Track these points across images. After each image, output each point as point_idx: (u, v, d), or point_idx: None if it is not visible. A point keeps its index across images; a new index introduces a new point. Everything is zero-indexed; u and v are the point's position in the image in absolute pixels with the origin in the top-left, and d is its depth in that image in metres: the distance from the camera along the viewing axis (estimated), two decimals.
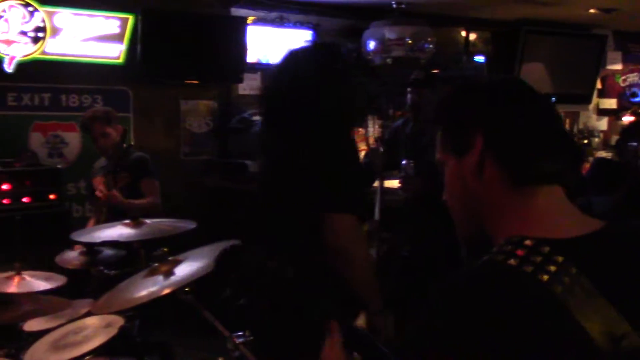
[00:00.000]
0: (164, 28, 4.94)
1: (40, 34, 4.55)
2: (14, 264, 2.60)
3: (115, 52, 4.90)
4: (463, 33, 6.81)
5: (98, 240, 2.75)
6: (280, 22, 5.72)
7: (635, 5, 5.89)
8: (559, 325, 0.87)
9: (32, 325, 2.45)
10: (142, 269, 2.31)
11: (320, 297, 1.19)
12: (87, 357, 2.18)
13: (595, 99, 7.70)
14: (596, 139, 7.67)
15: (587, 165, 5.10)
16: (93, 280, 2.90)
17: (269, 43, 5.65)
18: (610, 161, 5.01)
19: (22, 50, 4.50)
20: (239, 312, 1.16)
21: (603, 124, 7.87)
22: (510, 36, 6.73)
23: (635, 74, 7.88)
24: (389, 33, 5.62)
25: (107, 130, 3.78)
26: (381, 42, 5.65)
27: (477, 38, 6.91)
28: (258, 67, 5.62)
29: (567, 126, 7.52)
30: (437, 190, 1.14)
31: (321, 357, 1.18)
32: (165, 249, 2.18)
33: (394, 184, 3.85)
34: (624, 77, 7.85)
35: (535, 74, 6.64)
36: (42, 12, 4.55)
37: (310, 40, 5.76)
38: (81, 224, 3.99)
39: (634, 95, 7.86)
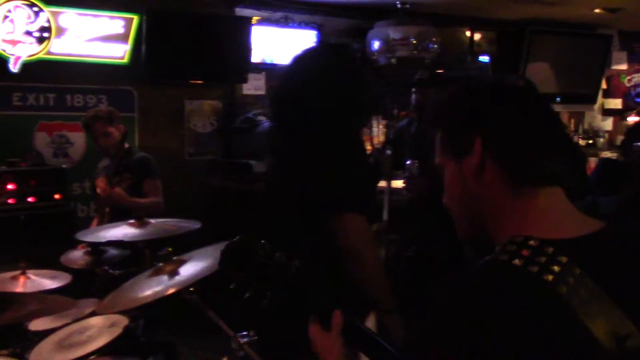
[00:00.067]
0: (168, 28, 4.95)
1: (45, 34, 4.56)
2: (19, 264, 2.61)
3: (119, 52, 4.91)
4: (468, 33, 6.80)
5: (103, 240, 2.76)
6: (284, 22, 5.72)
7: None
8: (563, 326, 0.87)
9: (38, 324, 2.46)
10: (146, 268, 2.31)
11: (323, 289, 1.19)
12: (92, 357, 2.18)
13: (600, 99, 7.68)
14: (601, 139, 7.65)
15: (592, 166, 5.10)
16: (98, 279, 2.91)
17: (274, 43, 5.64)
18: (615, 161, 5.00)
19: (27, 50, 4.51)
20: (243, 305, 1.16)
21: (608, 124, 7.85)
22: (515, 36, 6.72)
23: None
24: (394, 33, 5.62)
25: (109, 129, 3.79)
26: (386, 42, 5.65)
27: (482, 38, 6.90)
28: (262, 67, 5.62)
29: (572, 126, 7.51)
30: (441, 191, 1.14)
31: (318, 344, 1.18)
32: (170, 249, 2.19)
33: (398, 184, 3.85)
34: (629, 77, 7.83)
35: (540, 74, 6.63)
36: (47, 12, 4.55)
37: (319, 41, 5.76)
38: (86, 223, 4.00)
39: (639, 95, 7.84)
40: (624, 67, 7.71)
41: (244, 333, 1.89)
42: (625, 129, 7.51)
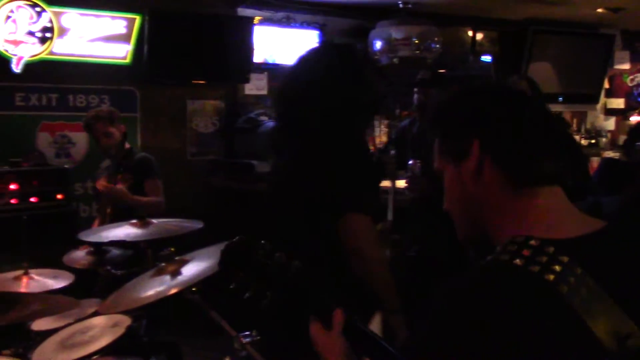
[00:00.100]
0: (170, 28, 4.95)
1: (48, 35, 4.57)
2: (21, 264, 2.62)
3: (122, 53, 4.92)
4: (470, 33, 6.80)
5: (105, 240, 2.76)
6: (286, 22, 5.72)
7: None
8: (565, 325, 0.87)
9: (40, 324, 2.46)
10: (149, 268, 2.32)
11: (323, 289, 1.20)
12: (95, 357, 2.18)
13: (602, 98, 7.67)
14: (604, 139, 7.64)
15: (594, 166, 5.09)
16: (100, 279, 2.91)
17: (276, 43, 5.64)
18: (618, 161, 4.99)
19: (29, 51, 4.51)
20: (243, 305, 1.16)
21: (610, 123, 7.83)
22: (518, 36, 6.71)
23: None
24: (396, 33, 5.62)
25: (110, 130, 3.80)
26: (388, 41, 5.65)
27: (484, 38, 6.89)
28: (265, 67, 5.62)
29: (574, 126, 7.49)
30: (442, 191, 1.15)
31: (319, 343, 1.19)
32: (172, 249, 2.19)
33: (400, 184, 3.85)
34: (631, 77, 7.82)
35: (542, 73, 6.61)
36: (49, 12, 4.56)
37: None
38: (88, 223, 4.00)
39: None
40: (626, 66, 7.70)
41: (247, 333, 1.89)
42: (627, 129, 7.50)
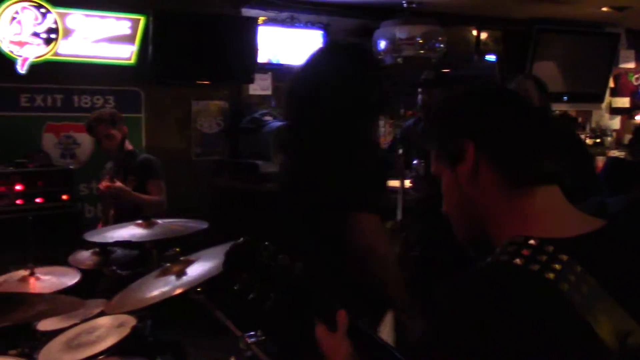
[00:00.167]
0: (175, 29, 4.96)
1: (53, 36, 4.58)
2: (27, 264, 2.62)
3: (126, 53, 4.92)
4: (474, 32, 6.79)
5: (111, 241, 2.77)
6: (290, 22, 5.72)
7: None
8: (565, 323, 0.87)
9: (46, 324, 2.47)
10: (154, 269, 2.32)
11: (327, 290, 1.20)
12: (100, 357, 2.19)
13: (607, 97, 7.65)
14: (609, 138, 7.62)
15: (599, 165, 5.07)
16: (106, 280, 2.92)
17: (280, 43, 5.65)
18: (623, 160, 4.97)
19: (34, 52, 4.53)
20: (248, 307, 1.17)
21: (616, 123, 7.81)
22: (522, 35, 6.70)
23: None
24: (400, 32, 5.61)
25: (111, 132, 3.81)
26: (392, 41, 5.64)
27: (489, 37, 6.88)
28: (269, 67, 5.63)
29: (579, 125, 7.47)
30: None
31: (324, 344, 1.19)
32: (177, 249, 2.19)
33: (407, 183, 3.85)
34: (637, 76, 7.80)
35: (547, 72, 6.59)
36: (54, 13, 4.57)
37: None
38: (93, 224, 4.01)
39: None
40: (631, 65, 7.68)
41: (252, 333, 1.90)
42: (633, 128, 7.49)
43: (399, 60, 5.62)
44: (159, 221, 2.83)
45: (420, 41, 5.60)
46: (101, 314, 2.45)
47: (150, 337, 2.46)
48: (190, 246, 2.31)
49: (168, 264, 2.16)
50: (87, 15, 4.75)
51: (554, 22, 6.72)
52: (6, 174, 4.27)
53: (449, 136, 1.09)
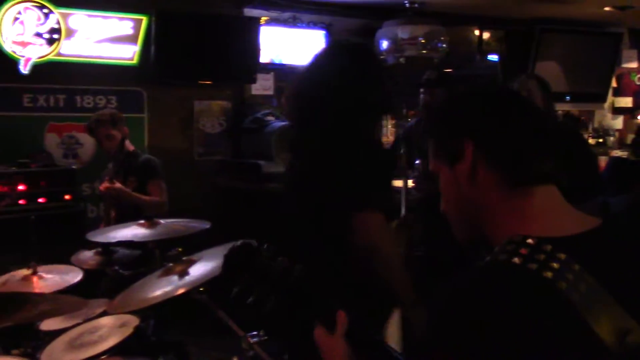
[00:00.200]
0: (177, 29, 4.96)
1: (55, 36, 4.59)
2: (29, 264, 2.62)
3: (129, 53, 4.93)
4: (476, 32, 6.78)
5: (113, 241, 2.77)
6: (293, 22, 5.73)
7: None
8: (564, 322, 0.87)
9: (49, 324, 2.47)
10: (157, 269, 2.32)
11: (326, 291, 1.20)
12: (103, 357, 2.19)
13: (610, 97, 7.64)
14: (611, 138, 7.61)
15: (602, 165, 5.06)
16: (108, 280, 2.92)
17: (282, 43, 5.65)
18: (626, 160, 4.97)
19: (37, 52, 4.53)
20: (247, 310, 1.17)
21: (618, 122, 7.80)
22: (524, 35, 6.69)
23: None
24: (402, 32, 5.61)
25: (112, 132, 3.81)
26: (394, 41, 5.64)
27: (491, 37, 6.88)
28: (271, 67, 5.63)
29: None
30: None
31: (322, 346, 1.19)
32: (180, 249, 2.19)
33: (409, 183, 3.84)
34: (639, 76, 7.78)
35: (549, 72, 6.58)
36: (56, 14, 4.58)
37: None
38: (96, 224, 4.02)
39: None
40: (634, 65, 7.66)
41: (254, 333, 1.90)
42: (635, 128, 7.48)
43: (401, 60, 5.62)
44: (162, 221, 2.84)
45: (423, 41, 5.60)
46: (104, 313, 2.45)
47: (152, 337, 2.46)
48: (193, 246, 2.31)
49: (170, 264, 2.16)
50: (89, 16, 4.75)
51: (557, 22, 6.71)
52: (9, 174, 4.27)
53: (448, 135, 1.09)
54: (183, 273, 2.10)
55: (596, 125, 7.63)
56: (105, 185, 3.65)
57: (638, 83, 7.78)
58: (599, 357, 0.87)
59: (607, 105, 7.66)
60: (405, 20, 5.66)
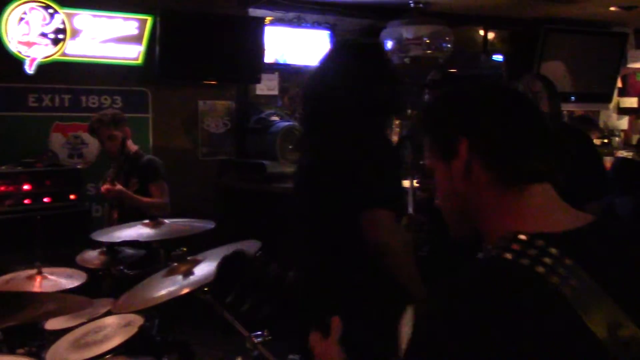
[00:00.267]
0: (182, 29, 4.97)
1: (60, 36, 4.60)
2: (34, 264, 2.63)
3: (134, 54, 4.94)
4: (481, 32, 6.77)
5: (118, 240, 2.78)
6: (297, 22, 5.73)
7: None
8: (556, 316, 0.88)
9: (53, 323, 2.48)
10: (161, 268, 2.32)
11: (320, 297, 1.21)
12: (107, 356, 2.19)
13: (615, 97, 7.61)
14: (617, 138, 7.59)
15: (607, 165, 5.03)
16: (113, 279, 2.92)
17: (287, 43, 5.65)
18: (631, 161, 4.95)
19: (42, 52, 4.54)
20: (242, 317, 1.18)
21: (624, 123, 7.77)
22: (530, 35, 6.67)
23: None
24: (407, 32, 5.60)
25: (114, 133, 3.81)
26: (399, 41, 5.64)
27: (496, 37, 6.86)
28: (276, 67, 5.63)
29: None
30: None
31: (317, 351, 1.20)
32: (184, 249, 2.20)
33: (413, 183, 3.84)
34: None
35: (554, 72, 6.56)
36: (62, 14, 4.59)
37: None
38: (101, 223, 4.02)
39: None
40: (639, 65, 7.63)
41: (258, 333, 1.89)
42: None
43: (406, 60, 5.61)
44: (166, 221, 2.84)
45: (427, 41, 5.59)
46: (108, 313, 2.45)
47: (157, 336, 2.46)
48: (197, 246, 2.31)
49: (175, 264, 2.17)
50: (94, 16, 4.76)
51: (562, 22, 6.69)
52: (14, 173, 4.28)
53: (443, 132, 1.10)
54: (187, 273, 2.11)
55: (601, 125, 7.60)
56: (106, 187, 3.65)
57: None
58: (592, 351, 0.87)
59: (612, 105, 7.63)
60: (410, 20, 5.66)
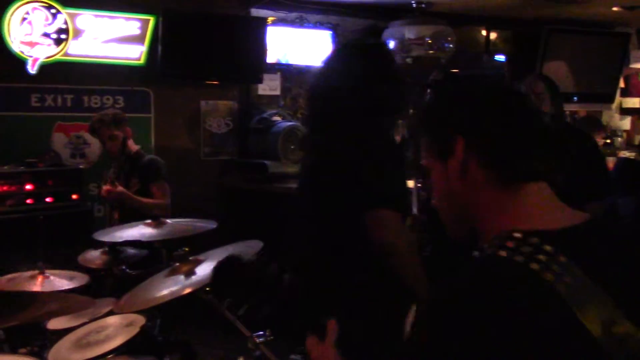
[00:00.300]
0: (184, 29, 4.97)
1: (63, 36, 4.60)
2: (37, 263, 2.63)
3: (136, 54, 4.94)
4: (484, 32, 6.76)
5: (120, 240, 2.78)
6: (300, 23, 5.73)
7: None
8: (551, 313, 0.88)
9: (56, 323, 2.48)
10: (163, 268, 2.32)
11: (316, 300, 1.21)
12: (109, 356, 2.19)
13: (618, 98, 7.60)
14: (619, 139, 7.57)
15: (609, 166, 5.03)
16: (115, 279, 2.92)
17: (289, 43, 5.65)
18: (634, 161, 4.95)
19: (45, 52, 4.55)
20: (242, 318, 1.18)
21: (626, 123, 7.76)
22: (532, 35, 6.66)
23: None
24: (409, 32, 5.60)
25: (114, 133, 3.81)
26: (401, 41, 5.63)
27: (498, 37, 6.86)
28: (278, 67, 5.63)
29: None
30: None
31: (313, 354, 1.20)
32: (186, 249, 2.20)
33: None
34: None
35: (557, 73, 6.55)
36: (64, 14, 4.59)
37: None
38: (103, 223, 4.02)
39: None
40: None
41: (260, 333, 1.89)
42: None
43: (408, 60, 5.61)
44: (168, 221, 2.84)
45: (430, 41, 5.58)
46: (110, 313, 2.46)
47: (159, 336, 2.46)
48: (199, 246, 2.31)
49: (177, 264, 2.17)
50: (96, 16, 4.77)
51: (564, 22, 6.68)
52: (17, 173, 4.29)
53: (439, 132, 1.10)
54: (189, 273, 2.11)
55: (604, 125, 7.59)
56: (107, 188, 3.65)
57: None
58: (586, 348, 0.87)
59: (614, 105, 7.62)
60: (412, 20, 5.65)
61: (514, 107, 1.09)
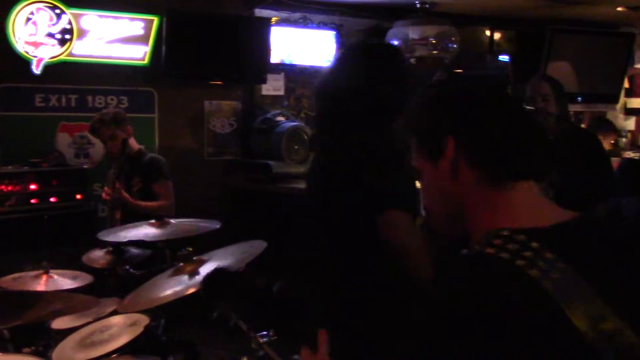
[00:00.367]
0: (188, 29, 4.98)
1: (67, 36, 4.61)
2: (41, 263, 2.64)
3: (140, 54, 4.95)
4: (487, 32, 6.75)
5: (124, 240, 2.78)
6: (303, 23, 5.73)
7: None
8: (538, 309, 0.88)
9: (60, 323, 2.49)
10: (167, 268, 2.33)
11: (307, 310, 1.21)
12: (113, 356, 2.20)
13: (622, 98, 7.57)
14: (623, 139, 7.55)
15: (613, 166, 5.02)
16: (119, 279, 2.93)
17: (293, 43, 5.65)
18: (638, 162, 4.93)
19: (49, 52, 4.56)
20: (229, 332, 1.19)
21: (630, 123, 7.73)
22: (536, 35, 6.64)
23: None
24: (413, 33, 5.60)
25: (115, 132, 3.80)
26: (405, 41, 5.63)
27: (502, 37, 6.85)
28: (281, 67, 5.63)
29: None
30: None
31: None
32: (190, 249, 2.20)
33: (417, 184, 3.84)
34: None
35: (561, 73, 6.53)
36: (68, 14, 4.61)
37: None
38: (107, 223, 4.03)
39: None
40: None
41: (264, 333, 1.90)
42: None
43: (412, 60, 5.60)
44: (172, 221, 2.85)
45: (433, 41, 5.58)
46: (114, 312, 2.46)
47: (163, 336, 2.47)
48: (203, 246, 2.32)
49: (181, 264, 2.17)
50: (101, 16, 4.78)
51: (568, 22, 6.67)
52: (21, 173, 4.30)
53: (430, 132, 1.11)
54: (193, 273, 2.11)
55: None
56: (107, 192, 3.65)
57: None
58: (575, 344, 0.87)
59: (619, 106, 7.60)
60: (416, 20, 5.65)
61: (504, 107, 1.10)
